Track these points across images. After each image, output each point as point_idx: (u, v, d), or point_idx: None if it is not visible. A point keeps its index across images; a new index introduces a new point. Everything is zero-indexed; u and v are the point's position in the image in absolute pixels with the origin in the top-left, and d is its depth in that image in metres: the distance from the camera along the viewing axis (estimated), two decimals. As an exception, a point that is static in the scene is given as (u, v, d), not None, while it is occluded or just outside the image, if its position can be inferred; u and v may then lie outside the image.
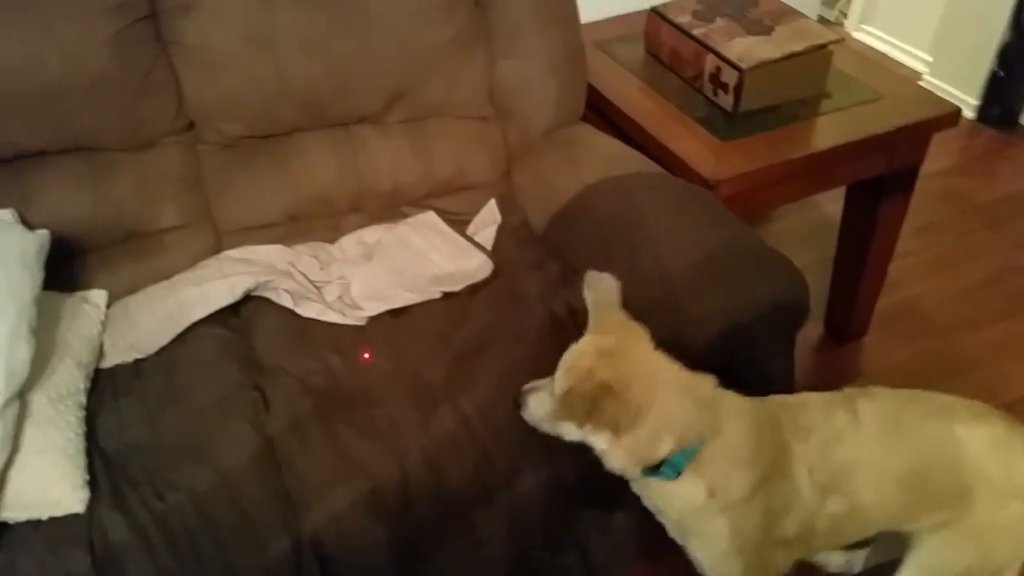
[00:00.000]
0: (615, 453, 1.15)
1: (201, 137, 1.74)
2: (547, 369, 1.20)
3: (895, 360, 2.27)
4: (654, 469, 1.15)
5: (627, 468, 1.17)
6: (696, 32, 1.93)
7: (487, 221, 1.83)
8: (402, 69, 1.76)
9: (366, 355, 1.52)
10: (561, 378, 1.15)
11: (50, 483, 1.25)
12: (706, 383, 1.19)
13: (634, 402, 1.10)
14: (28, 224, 1.53)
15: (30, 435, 1.28)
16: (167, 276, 1.67)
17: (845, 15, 3.73)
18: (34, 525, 1.24)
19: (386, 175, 1.82)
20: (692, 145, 1.79)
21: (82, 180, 1.63)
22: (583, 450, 1.18)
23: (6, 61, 1.49)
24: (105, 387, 1.46)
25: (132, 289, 1.65)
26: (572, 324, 1.51)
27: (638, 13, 2.21)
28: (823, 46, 1.88)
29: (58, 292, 1.53)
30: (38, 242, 1.45)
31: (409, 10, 1.72)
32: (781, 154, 1.79)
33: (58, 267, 1.51)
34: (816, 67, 1.93)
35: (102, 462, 1.33)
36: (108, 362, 1.52)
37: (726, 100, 1.87)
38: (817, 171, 1.87)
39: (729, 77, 1.84)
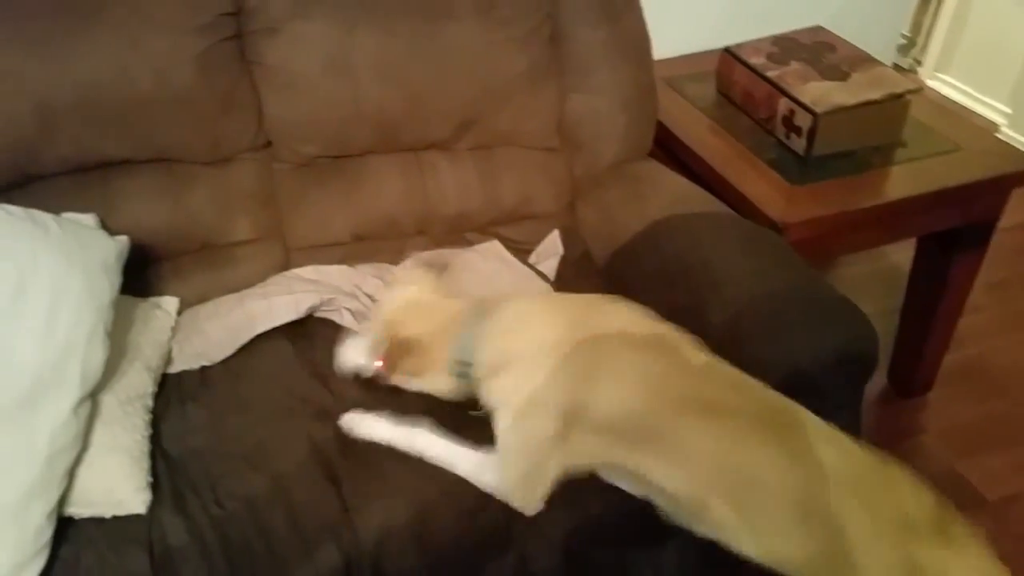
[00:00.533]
0: (432, 386, 1.37)
1: (277, 155, 1.78)
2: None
3: (959, 419, 2.21)
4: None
5: (445, 389, 1.36)
6: (770, 74, 1.92)
7: (549, 252, 1.84)
8: (474, 98, 1.79)
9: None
10: (374, 331, 1.39)
11: (115, 483, 1.29)
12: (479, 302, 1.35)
13: (425, 345, 1.32)
14: (108, 229, 1.58)
15: (99, 435, 1.32)
16: (237, 288, 1.71)
17: (920, 63, 3.68)
18: (98, 522, 1.27)
19: (452, 200, 1.85)
20: (762, 187, 1.79)
21: (162, 190, 1.68)
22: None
23: (99, 74, 1.55)
24: (171, 392, 1.50)
25: (202, 298, 1.70)
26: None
27: (710, 52, 2.22)
28: (900, 95, 1.86)
29: (132, 296, 1.58)
30: (118, 248, 1.49)
31: (485, 42, 1.75)
32: (853, 201, 1.77)
33: (133, 272, 1.55)
34: (892, 115, 1.91)
35: (165, 465, 1.36)
36: (175, 367, 1.56)
37: (798, 143, 1.86)
38: (889, 221, 1.85)
39: (803, 120, 1.82)
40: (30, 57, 1.51)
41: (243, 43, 1.68)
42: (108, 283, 1.42)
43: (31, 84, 1.52)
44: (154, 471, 1.34)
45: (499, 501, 1.30)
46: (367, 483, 1.33)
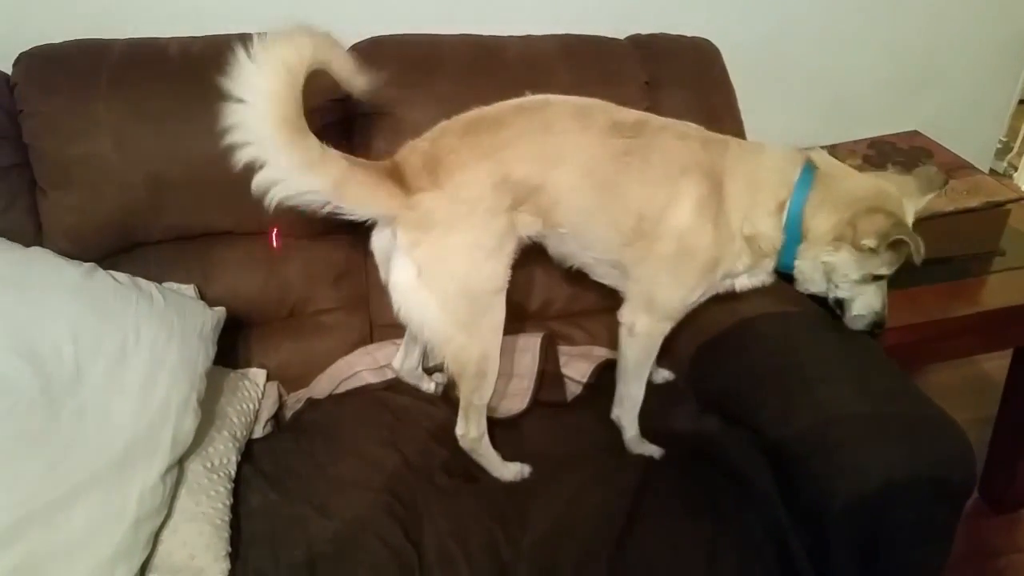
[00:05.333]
0: None
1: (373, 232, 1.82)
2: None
3: (1056, 539, 2.09)
4: None
5: None
6: (866, 177, 1.90)
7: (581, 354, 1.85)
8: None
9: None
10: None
11: (196, 550, 1.29)
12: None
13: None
14: (205, 296, 1.63)
15: (183, 501, 1.34)
16: (321, 355, 1.77)
17: (1015, 168, 3.61)
18: (175, 590, 1.27)
19: (537, 293, 1.87)
20: (856, 290, 1.74)
21: (259, 260, 1.74)
22: None
23: (211, 149, 1.60)
24: (254, 461, 1.52)
25: (288, 364, 1.75)
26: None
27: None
28: (1000, 204, 1.82)
29: (222, 367, 1.61)
30: (215, 318, 1.54)
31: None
32: (950, 309, 1.73)
33: (222, 336, 1.58)
34: (991, 224, 1.87)
35: (243, 535, 1.36)
36: (257, 434, 1.59)
37: (894, 248, 1.82)
38: (986, 330, 1.80)
39: (899, 225, 1.79)
40: (147, 131, 1.59)
41: (353, 124, 1.75)
42: (204, 352, 1.46)
43: (146, 156, 1.59)
44: (233, 541, 1.34)
45: None
46: (448, 551, 1.33)
